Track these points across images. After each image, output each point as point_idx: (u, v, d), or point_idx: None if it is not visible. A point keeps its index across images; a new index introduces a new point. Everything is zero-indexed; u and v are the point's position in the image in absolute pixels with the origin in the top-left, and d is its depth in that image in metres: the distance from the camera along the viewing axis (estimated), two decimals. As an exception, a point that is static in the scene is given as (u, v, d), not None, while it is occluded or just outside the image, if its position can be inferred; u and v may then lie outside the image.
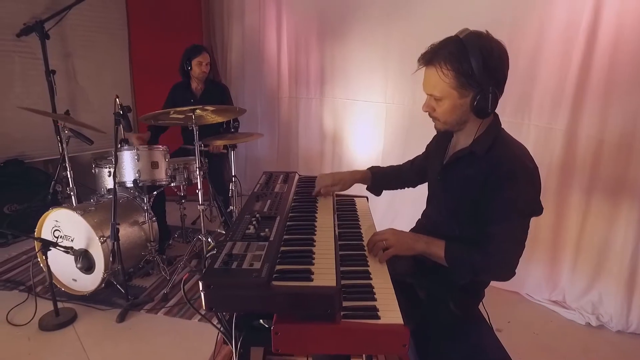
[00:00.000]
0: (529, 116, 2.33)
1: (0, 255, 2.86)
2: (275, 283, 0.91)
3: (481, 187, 1.14)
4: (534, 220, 2.44)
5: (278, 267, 0.99)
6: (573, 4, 2.10)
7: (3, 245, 2.99)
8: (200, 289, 0.89)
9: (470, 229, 1.19)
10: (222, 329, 1.07)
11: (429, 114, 1.22)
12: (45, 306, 2.18)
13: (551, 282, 2.40)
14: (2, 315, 2.17)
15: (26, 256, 2.86)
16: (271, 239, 1.09)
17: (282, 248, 1.10)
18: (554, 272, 2.39)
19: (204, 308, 0.91)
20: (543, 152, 2.28)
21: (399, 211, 2.88)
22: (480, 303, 1.36)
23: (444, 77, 1.09)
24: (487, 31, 1.10)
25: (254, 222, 1.18)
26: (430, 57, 1.12)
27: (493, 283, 2.42)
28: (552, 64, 2.22)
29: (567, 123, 2.19)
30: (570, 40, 2.13)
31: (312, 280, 0.94)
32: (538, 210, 1.17)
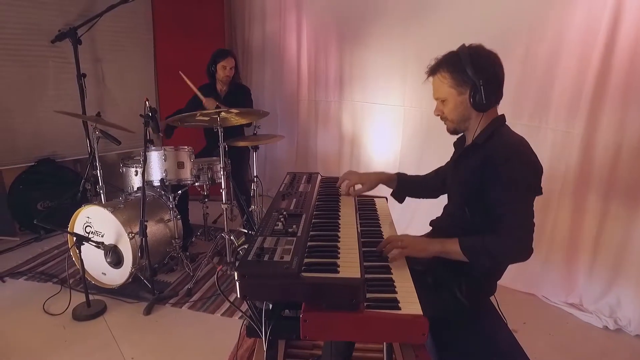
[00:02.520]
0: (546, 120, 2.36)
1: (34, 250, 3.02)
2: (304, 274, 0.99)
3: (481, 174, 1.27)
4: (550, 223, 2.46)
5: (306, 260, 1.07)
6: (592, 8, 2.12)
7: (36, 240, 3.15)
8: (235, 278, 0.97)
9: (482, 217, 1.27)
10: (251, 317, 1.14)
11: (440, 118, 1.40)
12: (77, 298, 2.31)
13: (568, 284, 2.42)
14: (39, 305, 2.31)
15: (57, 250, 3.01)
16: (299, 234, 1.17)
17: (309, 243, 1.18)
18: (571, 274, 2.40)
19: (238, 296, 0.99)
20: (560, 156, 2.30)
21: (415, 213, 2.93)
22: (495, 301, 1.41)
23: (443, 79, 1.31)
24: (480, 44, 1.30)
25: (282, 219, 1.26)
26: (433, 68, 1.35)
27: (508, 284, 2.47)
28: (570, 68, 2.24)
29: (585, 127, 2.21)
30: (589, 45, 2.15)
31: (338, 272, 1.01)
32: (537, 189, 1.27)
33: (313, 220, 1.34)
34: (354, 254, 1.11)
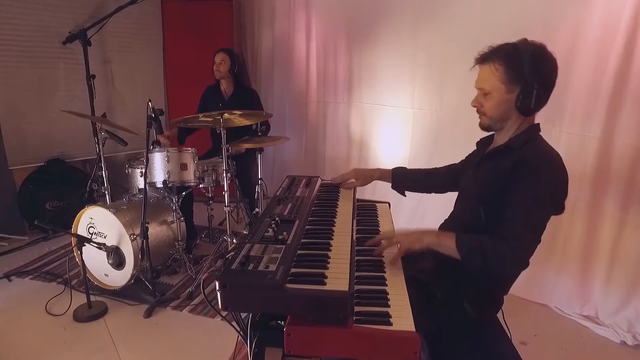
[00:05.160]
0: (560, 122, 2.25)
1: (42, 249, 3.05)
2: (289, 285, 0.93)
3: (510, 176, 1.19)
4: (564, 230, 2.36)
5: (293, 270, 1.01)
6: (611, 6, 2.02)
7: (44, 239, 3.18)
8: (217, 288, 0.93)
9: (495, 219, 1.20)
10: (239, 328, 1.10)
11: (477, 110, 1.31)
12: (80, 298, 2.30)
13: (582, 295, 2.30)
14: (42, 305, 2.31)
15: (64, 250, 3.03)
16: (289, 242, 1.12)
17: (299, 251, 1.12)
18: (586, 285, 2.29)
19: (219, 307, 0.94)
20: (575, 160, 2.19)
21: (424, 217, 2.85)
22: (500, 312, 1.33)
23: (495, 71, 1.22)
24: (543, 44, 1.22)
25: (273, 225, 1.20)
26: (487, 56, 1.25)
27: (519, 293, 2.37)
28: (586, 68, 2.13)
29: (602, 130, 2.10)
30: (607, 44, 2.05)
31: (325, 284, 0.95)
32: (558, 207, 1.21)
33: (306, 227, 1.28)
34: (344, 265, 1.05)
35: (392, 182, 1.66)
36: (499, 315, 1.36)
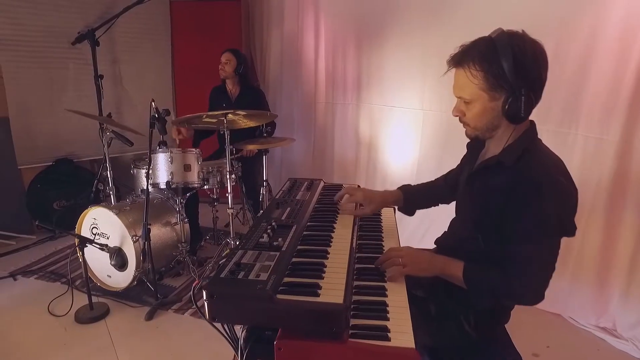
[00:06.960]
0: (576, 125, 2.15)
1: (48, 248, 3.05)
2: (279, 296, 0.88)
3: (506, 199, 1.05)
4: (579, 238, 2.25)
5: (286, 279, 0.96)
6: (631, 3, 1.92)
7: (51, 238, 3.19)
8: (204, 298, 0.88)
9: (495, 245, 1.09)
10: (229, 339, 1.05)
11: (459, 119, 1.15)
12: (83, 299, 2.28)
13: (599, 306, 2.19)
14: (45, 306, 2.30)
15: (70, 250, 3.01)
16: (283, 249, 1.06)
17: (294, 259, 1.07)
18: (603, 295, 2.18)
19: (206, 318, 0.89)
20: (592, 165, 2.09)
21: (430, 226, 2.75)
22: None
23: (473, 78, 1.04)
24: (522, 30, 1.03)
25: (269, 231, 1.15)
26: (459, 58, 1.06)
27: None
28: (605, 68, 2.03)
29: (621, 133, 2.00)
30: (628, 43, 1.95)
31: (318, 295, 0.90)
32: (570, 230, 1.05)
33: (304, 233, 1.23)
34: (341, 274, 0.99)
35: (402, 204, 1.50)
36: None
